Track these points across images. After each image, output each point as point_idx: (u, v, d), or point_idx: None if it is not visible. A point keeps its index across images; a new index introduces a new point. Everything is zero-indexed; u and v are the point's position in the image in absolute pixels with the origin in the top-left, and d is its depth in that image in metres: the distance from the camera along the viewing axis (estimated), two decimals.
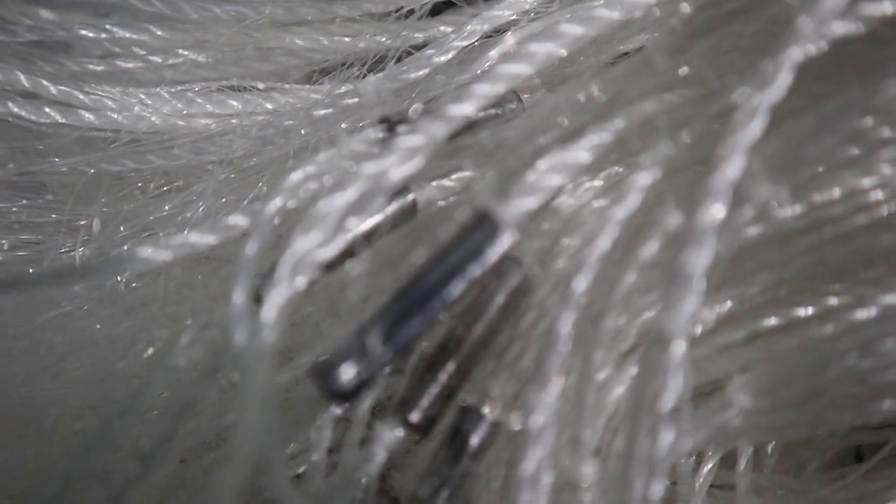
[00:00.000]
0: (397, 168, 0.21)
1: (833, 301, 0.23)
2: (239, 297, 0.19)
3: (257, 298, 0.20)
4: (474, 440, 0.22)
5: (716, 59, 0.21)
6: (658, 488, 0.19)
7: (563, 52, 0.22)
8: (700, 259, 0.19)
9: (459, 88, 0.21)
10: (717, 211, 0.19)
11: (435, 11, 0.31)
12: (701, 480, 0.26)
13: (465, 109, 0.21)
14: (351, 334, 0.18)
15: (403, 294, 0.19)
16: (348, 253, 0.21)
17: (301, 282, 0.19)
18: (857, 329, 0.22)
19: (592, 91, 0.23)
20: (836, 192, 0.21)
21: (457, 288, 0.19)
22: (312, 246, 0.19)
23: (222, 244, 0.22)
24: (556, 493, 0.21)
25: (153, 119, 0.27)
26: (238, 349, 0.18)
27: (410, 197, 0.24)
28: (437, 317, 0.19)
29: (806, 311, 0.23)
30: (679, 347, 0.18)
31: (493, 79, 0.21)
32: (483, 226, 0.19)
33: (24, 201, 0.28)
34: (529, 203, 0.21)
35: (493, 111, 0.26)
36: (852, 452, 0.30)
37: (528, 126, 0.23)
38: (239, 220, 0.22)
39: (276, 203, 0.21)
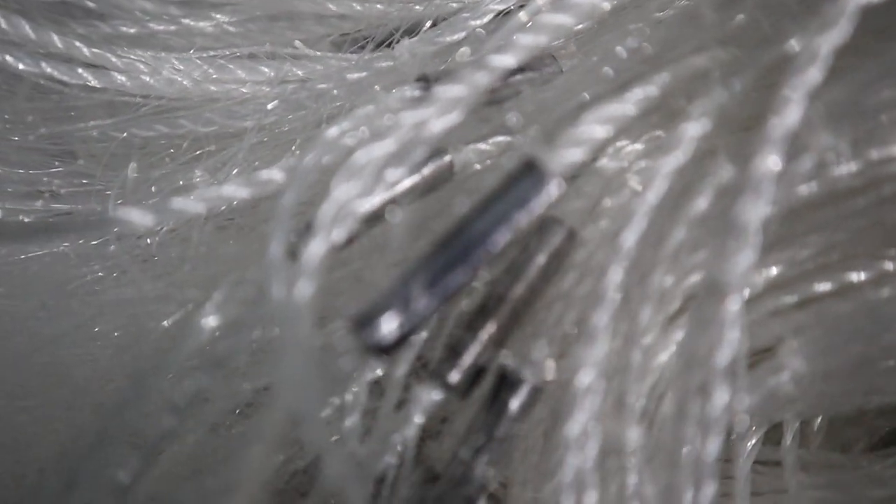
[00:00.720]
0: (437, 119, 0.20)
1: (889, 266, 0.22)
2: (276, 249, 0.19)
3: (293, 255, 0.19)
4: (515, 403, 0.21)
5: (769, 7, 0.20)
6: (713, 447, 0.18)
7: (607, 5, 0.22)
8: (757, 210, 0.18)
9: (501, 39, 0.21)
10: (773, 160, 0.18)
11: None
12: (745, 456, 0.25)
13: (506, 60, 0.20)
14: (392, 284, 0.18)
15: (447, 243, 0.18)
16: (386, 208, 0.20)
17: (340, 233, 0.18)
18: None
19: (637, 44, 0.22)
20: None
21: (502, 237, 0.18)
22: (352, 196, 0.19)
23: (257, 198, 0.22)
24: (601, 458, 0.20)
25: (185, 83, 0.27)
26: (276, 303, 0.18)
27: (447, 158, 0.24)
28: (481, 266, 0.18)
29: (859, 276, 0.23)
30: (735, 301, 0.18)
31: (535, 30, 0.21)
32: (530, 175, 0.19)
33: (55, 167, 0.28)
34: (575, 154, 0.20)
35: (530, 74, 0.25)
36: None
37: (571, 80, 0.22)
38: (275, 175, 0.22)
39: (313, 157, 0.21)
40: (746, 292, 0.23)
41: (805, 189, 0.21)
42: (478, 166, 0.26)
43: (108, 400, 0.22)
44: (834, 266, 0.23)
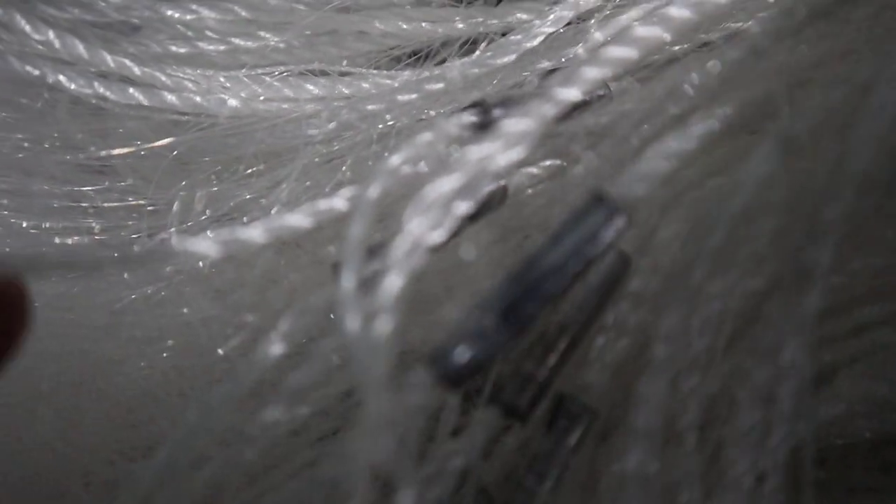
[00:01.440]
0: (503, 154, 0.20)
1: None
2: (348, 282, 0.19)
3: (361, 286, 0.20)
4: (575, 431, 0.22)
5: (839, 40, 0.20)
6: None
7: (668, 37, 0.22)
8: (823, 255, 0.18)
9: (567, 71, 0.21)
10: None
11: None
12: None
13: (572, 93, 0.21)
14: (465, 317, 0.18)
15: (519, 276, 0.18)
16: (454, 241, 0.21)
17: (415, 266, 0.19)
18: None
19: (700, 79, 0.22)
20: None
21: (573, 269, 0.18)
22: (424, 230, 0.19)
23: (317, 227, 0.22)
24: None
25: (233, 102, 0.27)
26: (353, 338, 0.18)
27: (502, 182, 0.24)
28: (552, 299, 0.18)
29: None
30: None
31: (600, 62, 0.21)
32: (598, 209, 0.19)
33: (104, 184, 0.28)
34: (641, 188, 0.20)
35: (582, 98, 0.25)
36: None
37: (632, 111, 0.22)
38: (337, 204, 0.22)
39: (376, 187, 0.21)
40: None
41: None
42: (530, 190, 0.26)
43: (165, 425, 0.22)
44: (886, 292, 0.23)
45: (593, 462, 0.23)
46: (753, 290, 0.22)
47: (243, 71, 0.27)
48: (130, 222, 0.28)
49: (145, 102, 0.26)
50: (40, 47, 0.26)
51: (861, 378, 0.22)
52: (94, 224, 0.28)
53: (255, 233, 0.21)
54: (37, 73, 0.25)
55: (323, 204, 0.22)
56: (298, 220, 0.21)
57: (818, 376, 0.23)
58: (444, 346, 0.18)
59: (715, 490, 0.21)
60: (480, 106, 0.24)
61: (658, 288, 0.22)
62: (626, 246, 0.23)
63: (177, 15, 0.27)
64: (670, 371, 0.21)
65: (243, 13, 0.27)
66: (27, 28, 0.26)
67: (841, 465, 0.26)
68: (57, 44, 0.26)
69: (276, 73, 0.28)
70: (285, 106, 0.28)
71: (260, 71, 0.28)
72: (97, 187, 0.28)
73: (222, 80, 0.27)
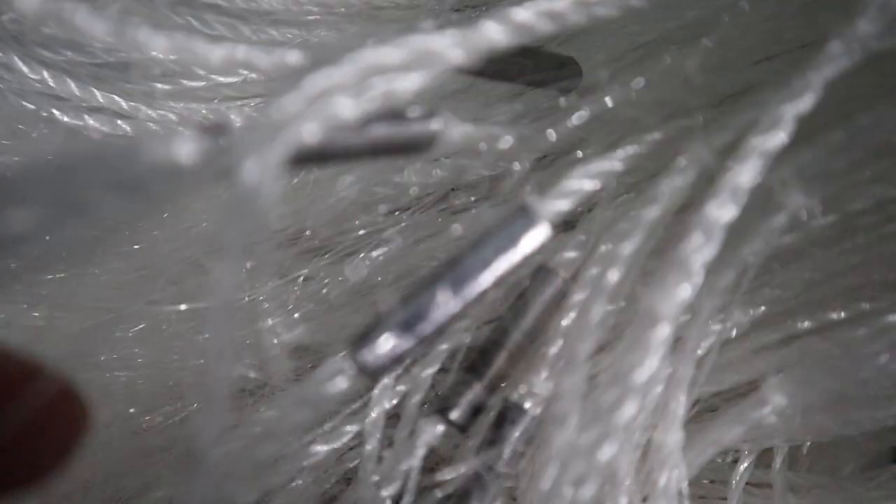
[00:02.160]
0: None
1: (866, 306, 0.24)
2: None
3: None
4: (516, 434, 0.23)
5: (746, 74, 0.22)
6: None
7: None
8: (702, 251, 0.19)
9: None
10: (723, 208, 0.19)
11: None
12: (738, 478, 0.27)
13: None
14: (388, 311, 0.19)
15: (443, 274, 0.19)
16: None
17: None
18: (889, 331, 0.23)
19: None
20: (868, 202, 0.22)
21: (494, 273, 0.20)
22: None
23: None
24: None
25: None
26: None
27: (435, 127, 0.20)
28: (474, 298, 0.19)
29: (839, 315, 0.24)
30: (664, 330, 0.19)
31: None
32: (522, 219, 0.20)
33: None
34: (564, 204, 0.22)
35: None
36: (889, 455, 0.31)
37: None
38: None
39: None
40: (734, 332, 0.25)
41: (786, 238, 0.23)
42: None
43: None
44: (815, 306, 0.25)
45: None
46: None
47: (220, 102, 0.29)
48: None
49: (132, 134, 0.29)
50: (37, 85, 0.28)
51: (788, 384, 0.23)
52: None
53: None
54: (32, 107, 0.28)
55: None
56: None
57: (748, 382, 0.24)
58: (365, 337, 0.19)
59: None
60: None
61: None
62: (565, 268, 0.25)
63: (161, 56, 0.29)
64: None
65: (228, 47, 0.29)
66: (24, 69, 0.28)
67: (785, 467, 0.28)
68: (51, 82, 0.28)
69: (254, 104, 0.30)
70: None
71: (239, 103, 0.30)
72: None
73: (204, 111, 0.29)
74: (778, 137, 0.19)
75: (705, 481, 0.29)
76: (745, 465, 0.28)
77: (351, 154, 0.18)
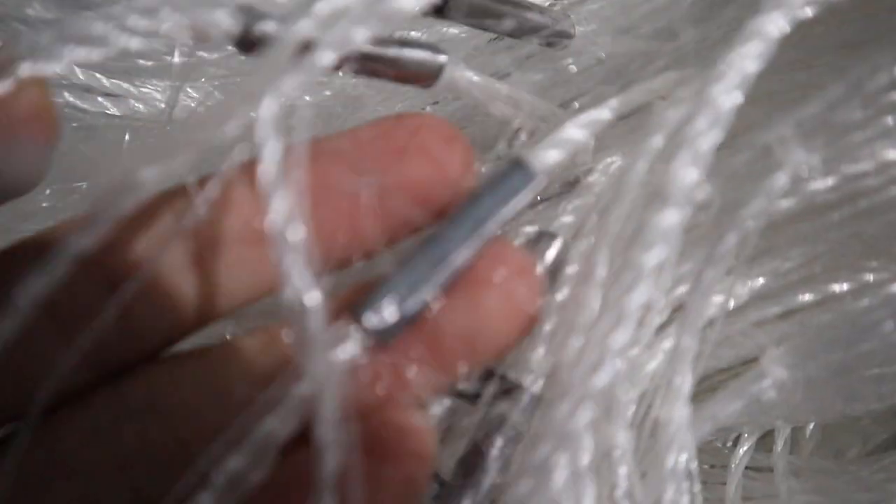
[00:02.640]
0: None
1: (869, 277, 0.23)
2: None
3: None
4: (516, 413, 0.22)
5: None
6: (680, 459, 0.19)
7: None
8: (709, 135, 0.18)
9: None
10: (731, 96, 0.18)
11: None
12: (737, 462, 0.26)
13: None
14: (394, 271, 0.18)
15: (440, 234, 0.19)
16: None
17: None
18: (893, 301, 0.22)
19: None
20: (869, 164, 0.21)
21: (494, 225, 0.19)
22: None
23: None
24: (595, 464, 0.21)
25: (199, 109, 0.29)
26: None
27: (441, 58, 0.21)
28: (477, 247, 0.19)
29: (841, 287, 0.24)
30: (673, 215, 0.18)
31: None
32: (518, 172, 0.20)
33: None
34: (556, 155, 0.21)
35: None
36: (894, 440, 0.30)
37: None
38: None
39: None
40: (731, 303, 0.24)
41: (784, 203, 0.22)
42: None
43: None
44: (817, 278, 0.24)
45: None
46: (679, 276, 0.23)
47: (206, 81, 0.29)
48: None
49: (114, 111, 0.28)
50: None
51: (788, 357, 0.22)
52: None
53: None
54: None
55: None
56: None
57: (748, 357, 0.24)
58: (369, 299, 0.18)
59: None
60: None
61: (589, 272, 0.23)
62: (564, 233, 0.24)
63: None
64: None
65: None
66: None
67: (787, 450, 0.27)
68: None
69: (238, 80, 0.29)
70: None
71: (224, 80, 0.29)
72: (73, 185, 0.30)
73: (189, 89, 0.29)
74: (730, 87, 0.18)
75: (705, 466, 0.28)
76: (746, 447, 0.27)
77: (363, 69, 0.19)
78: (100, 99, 0.28)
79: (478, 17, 0.22)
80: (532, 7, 0.24)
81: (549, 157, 0.20)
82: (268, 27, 0.17)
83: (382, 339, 0.18)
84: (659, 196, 0.18)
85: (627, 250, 0.19)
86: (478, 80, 0.22)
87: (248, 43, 0.18)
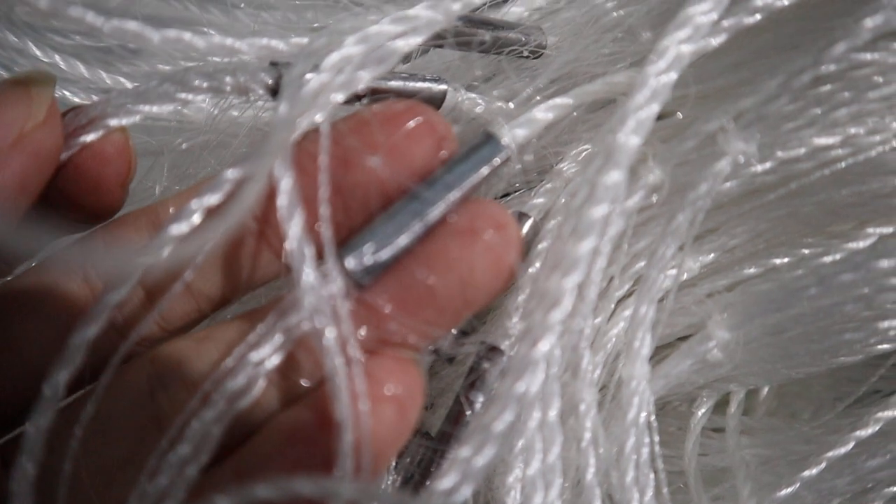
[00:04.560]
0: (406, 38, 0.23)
1: (805, 251, 0.26)
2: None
3: None
4: (494, 372, 0.25)
5: None
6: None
7: None
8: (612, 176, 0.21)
9: None
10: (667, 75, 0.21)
11: None
12: (696, 422, 0.29)
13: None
14: (374, 221, 0.21)
15: (419, 193, 0.21)
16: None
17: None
18: (820, 269, 0.25)
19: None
20: (801, 150, 0.24)
21: (468, 186, 0.22)
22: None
23: None
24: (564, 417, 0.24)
25: (212, 111, 0.32)
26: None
27: (443, 87, 0.25)
28: (452, 207, 0.21)
29: (782, 261, 0.27)
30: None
31: None
32: (489, 143, 0.22)
33: None
34: (523, 133, 0.24)
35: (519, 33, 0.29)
36: (836, 402, 0.32)
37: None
38: None
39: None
40: (684, 276, 0.27)
41: (728, 186, 0.25)
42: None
43: None
44: (760, 253, 0.27)
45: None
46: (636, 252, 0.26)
47: None
48: None
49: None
50: (49, 69, 0.31)
51: (730, 320, 0.25)
52: None
53: None
54: None
55: None
56: None
57: (698, 325, 0.27)
58: (351, 244, 0.21)
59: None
60: None
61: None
62: (536, 212, 0.27)
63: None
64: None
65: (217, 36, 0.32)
66: (38, 53, 0.31)
67: (740, 411, 0.30)
68: (62, 65, 0.31)
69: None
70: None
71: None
72: None
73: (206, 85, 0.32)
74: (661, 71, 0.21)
75: (671, 428, 0.31)
76: (703, 410, 0.30)
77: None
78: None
79: (466, 44, 0.25)
80: (509, 25, 0.27)
81: (517, 133, 0.23)
82: (292, 78, 0.21)
83: (363, 279, 0.21)
84: (606, 158, 0.21)
85: (579, 209, 0.21)
86: (469, 96, 0.25)
87: (277, 91, 0.22)
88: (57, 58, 0.31)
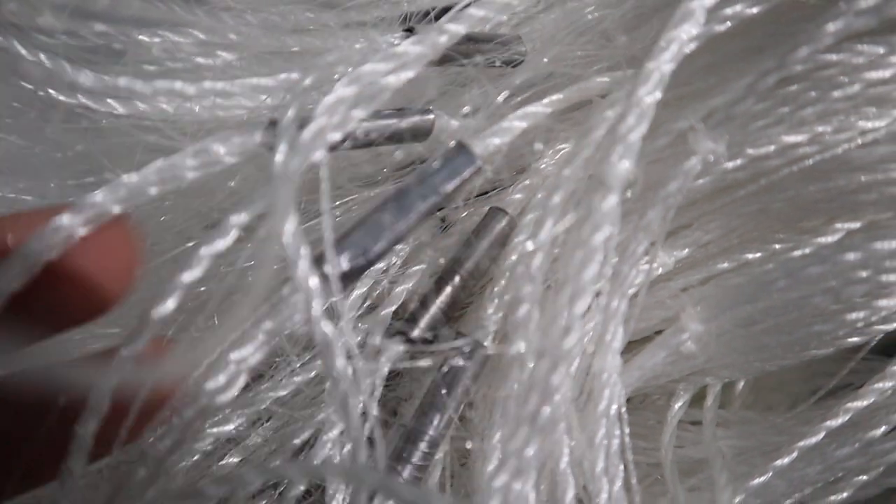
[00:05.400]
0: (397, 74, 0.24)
1: (776, 246, 0.27)
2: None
3: None
4: (469, 365, 0.26)
5: None
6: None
7: None
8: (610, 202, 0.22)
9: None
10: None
11: None
12: (673, 414, 0.30)
13: (459, 28, 0.24)
14: (352, 229, 0.22)
15: (395, 199, 0.22)
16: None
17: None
18: (789, 263, 0.25)
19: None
20: (770, 147, 0.25)
21: (438, 199, 0.22)
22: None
23: None
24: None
25: (196, 109, 0.32)
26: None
27: (430, 117, 0.26)
28: (421, 218, 0.22)
29: (754, 255, 0.27)
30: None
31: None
32: (461, 154, 0.23)
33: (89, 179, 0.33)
34: (496, 142, 0.25)
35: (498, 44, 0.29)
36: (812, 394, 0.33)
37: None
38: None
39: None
40: (659, 271, 0.28)
41: (699, 182, 0.26)
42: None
43: None
44: (733, 248, 0.28)
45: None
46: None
47: (207, 84, 0.32)
48: None
49: (122, 111, 0.31)
50: (33, 68, 0.31)
51: (703, 313, 0.26)
52: None
53: None
54: (30, 87, 0.31)
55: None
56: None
57: (673, 318, 0.27)
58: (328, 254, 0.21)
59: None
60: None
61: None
62: (512, 207, 0.28)
63: (147, 39, 0.32)
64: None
65: (202, 36, 0.32)
66: (23, 52, 0.31)
67: (716, 404, 0.30)
68: (48, 63, 0.31)
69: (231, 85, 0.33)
70: (241, 112, 0.33)
71: (220, 84, 0.33)
72: (83, 181, 0.33)
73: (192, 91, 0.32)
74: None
75: (650, 422, 0.32)
76: (680, 403, 0.30)
77: (367, 141, 0.23)
78: (109, 100, 0.31)
79: (451, 61, 0.26)
80: (489, 37, 0.28)
81: (490, 142, 0.24)
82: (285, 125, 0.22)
83: (343, 283, 0.21)
84: (601, 185, 0.22)
85: (578, 230, 0.22)
86: (457, 124, 0.26)
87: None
88: (42, 56, 0.31)
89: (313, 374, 0.28)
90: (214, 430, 0.27)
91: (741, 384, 0.32)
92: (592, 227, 0.22)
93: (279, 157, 0.21)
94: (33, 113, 0.32)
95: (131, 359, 0.20)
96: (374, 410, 0.25)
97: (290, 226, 0.20)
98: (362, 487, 0.20)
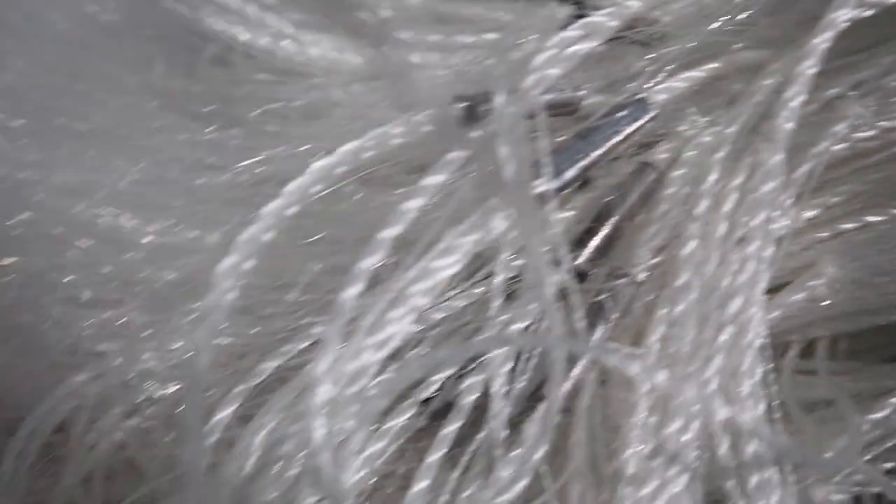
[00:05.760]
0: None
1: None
2: None
3: None
4: (622, 296, 0.29)
5: None
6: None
7: None
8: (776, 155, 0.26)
9: None
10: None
11: None
12: (786, 364, 0.33)
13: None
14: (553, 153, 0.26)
15: (585, 132, 0.28)
16: None
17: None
18: None
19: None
20: None
21: (620, 134, 0.28)
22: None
23: None
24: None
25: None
26: None
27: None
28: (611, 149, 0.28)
29: (876, 218, 0.31)
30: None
31: None
32: (638, 105, 0.28)
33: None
34: (663, 97, 0.29)
35: None
36: None
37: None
38: None
39: None
40: (805, 219, 0.31)
41: (838, 148, 0.29)
42: None
43: None
44: (856, 212, 0.31)
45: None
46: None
47: None
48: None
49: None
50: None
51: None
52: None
53: None
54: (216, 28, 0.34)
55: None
56: None
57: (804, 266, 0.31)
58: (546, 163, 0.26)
59: None
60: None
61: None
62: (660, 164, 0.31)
63: None
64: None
65: None
66: None
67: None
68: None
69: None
70: None
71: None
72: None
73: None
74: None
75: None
76: (792, 353, 0.33)
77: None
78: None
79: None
80: None
81: (661, 95, 0.28)
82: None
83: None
84: (769, 142, 0.26)
85: (748, 182, 0.27)
86: None
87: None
88: None
89: None
90: None
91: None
92: (762, 177, 0.25)
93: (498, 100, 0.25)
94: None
95: None
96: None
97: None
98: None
